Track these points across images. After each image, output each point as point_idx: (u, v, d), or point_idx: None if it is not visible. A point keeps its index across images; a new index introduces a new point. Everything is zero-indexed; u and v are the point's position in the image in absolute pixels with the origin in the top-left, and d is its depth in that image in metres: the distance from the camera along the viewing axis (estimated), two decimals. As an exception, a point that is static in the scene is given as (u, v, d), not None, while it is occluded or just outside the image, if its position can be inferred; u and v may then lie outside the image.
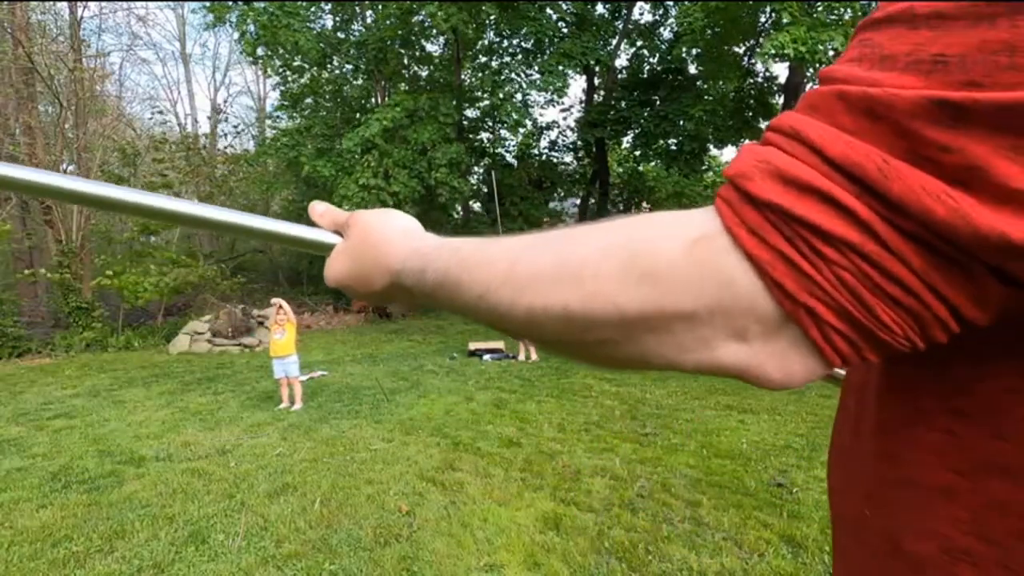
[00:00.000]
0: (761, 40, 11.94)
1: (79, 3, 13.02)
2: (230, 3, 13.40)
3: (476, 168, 17.93)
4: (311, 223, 0.54)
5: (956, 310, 0.25)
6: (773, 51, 9.32)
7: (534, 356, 8.05)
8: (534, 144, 18.81)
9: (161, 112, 24.06)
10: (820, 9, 10.09)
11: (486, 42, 16.85)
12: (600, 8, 16.50)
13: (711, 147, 17.50)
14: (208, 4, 13.55)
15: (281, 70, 15.30)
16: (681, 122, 15.53)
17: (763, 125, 16.50)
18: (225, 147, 21.61)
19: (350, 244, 0.49)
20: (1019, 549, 0.28)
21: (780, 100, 15.32)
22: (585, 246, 0.31)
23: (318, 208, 0.53)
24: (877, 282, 0.25)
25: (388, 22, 13.85)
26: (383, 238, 0.46)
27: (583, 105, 18.96)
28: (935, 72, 0.23)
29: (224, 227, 0.52)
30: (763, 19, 12.92)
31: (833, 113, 0.25)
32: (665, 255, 0.28)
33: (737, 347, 0.28)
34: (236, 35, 13.67)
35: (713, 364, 0.29)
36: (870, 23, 0.27)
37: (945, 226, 0.23)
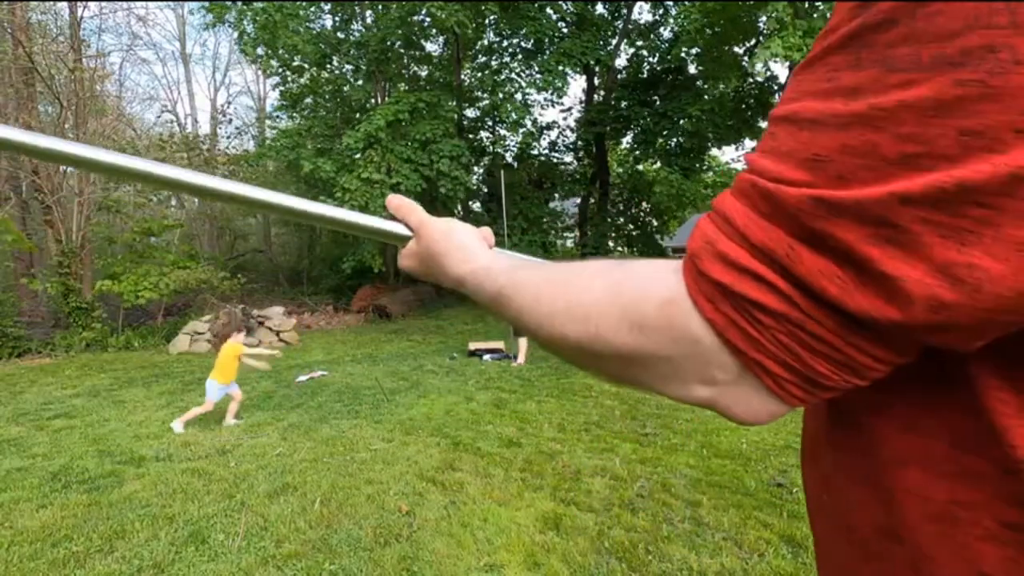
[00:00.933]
0: (762, 39, 11.92)
1: (79, 3, 13.01)
2: (229, 3, 13.40)
3: (476, 168, 17.93)
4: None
5: (878, 358, 0.29)
6: (766, 58, 9.30)
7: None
8: (534, 144, 18.83)
9: (170, 111, 24.17)
10: (815, 17, 10.03)
11: (486, 42, 16.83)
12: (600, 8, 16.50)
13: (711, 147, 17.50)
14: (208, 4, 13.55)
15: (280, 70, 15.28)
16: (681, 122, 15.52)
17: (763, 125, 16.49)
18: (226, 148, 21.65)
19: (418, 250, 0.58)
20: (926, 530, 0.32)
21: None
22: (589, 294, 0.38)
23: (393, 201, 0.61)
24: (807, 342, 0.30)
25: (388, 23, 13.84)
26: (444, 251, 0.55)
27: (583, 105, 18.96)
28: (816, 168, 0.28)
29: (305, 216, 0.56)
30: (763, 19, 12.91)
31: (753, 200, 0.31)
32: (647, 310, 0.35)
33: (708, 388, 0.35)
34: (235, 35, 13.67)
35: (690, 398, 0.36)
36: (775, 118, 0.32)
37: (839, 302, 0.28)
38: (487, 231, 0.61)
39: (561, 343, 0.40)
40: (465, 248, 0.55)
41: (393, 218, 0.60)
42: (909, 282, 0.26)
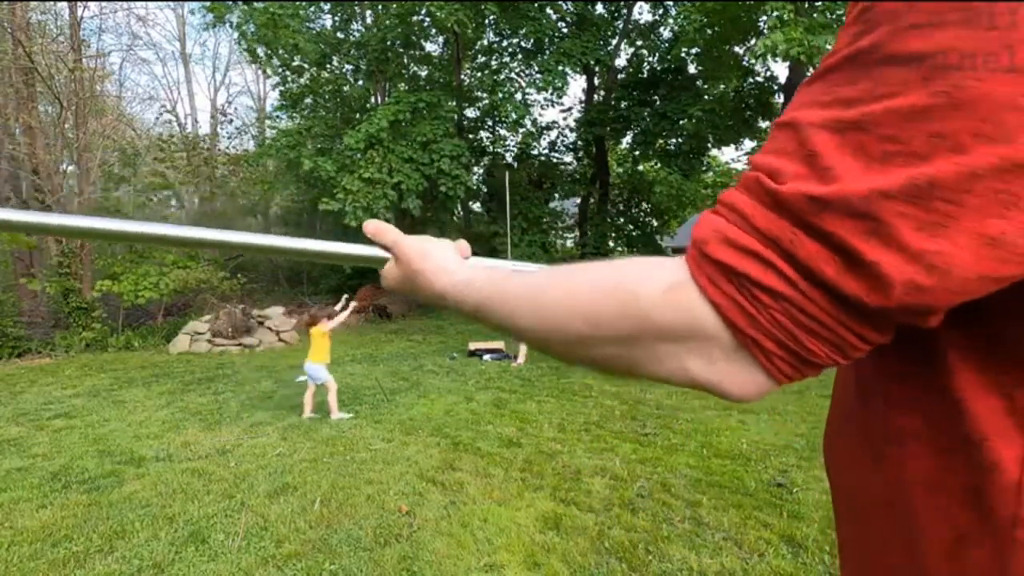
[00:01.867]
0: (760, 39, 11.91)
1: (79, 3, 13.01)
2: (230, 3, 13.39)
3: (476, 168, 17.92)
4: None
5: (863, 337, 0.33)
6: (763, 51, 9.27)
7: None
8: (534, 144, 18.80)
9: (170, 111, 24.21)
10: (815, 16, 9.99)
11: (486, 42, 16.82)
12: (600, 8, 16.48)
13: (711, 147, 17.48)
14: (208, 4, 13.55)
15: (280, 70, 15.27)
16: (681, 122, 15.50)
17: (763, 124, 16.47)
18: (226, 148, 21.66)
19: (399, 270, 0.61)
20: (913, 495, 0.38)
21: (780, 100, 15.29)
22: (588, 285, 0.41)
23: (370, 227, 0.63)
24: (800, 320, 0.33)
25: (388, 23, 13.83)
26: (421, 270, 0.58)
27: (583, 105, 18.93)
28: (813, 164, 0.32)
29: (283, 252, 0.59)
30: (763, 20, 12.90)
31: (758, 194, 0.34)
32: (650, 295, 0.37)
33: (705, 366, 0.37)
34: (236, 35, 13.66)
35: (686, 377, 0.38)
36: (780, 124, 0.36)
37: (835, 284, 0.31)
38: (463, 243, 0.63)
39: (558, 337, 0.42)
40: (442, 266, 0.57)
41: (371, 243, 0.62)
42: (889, 268, 0.29)
